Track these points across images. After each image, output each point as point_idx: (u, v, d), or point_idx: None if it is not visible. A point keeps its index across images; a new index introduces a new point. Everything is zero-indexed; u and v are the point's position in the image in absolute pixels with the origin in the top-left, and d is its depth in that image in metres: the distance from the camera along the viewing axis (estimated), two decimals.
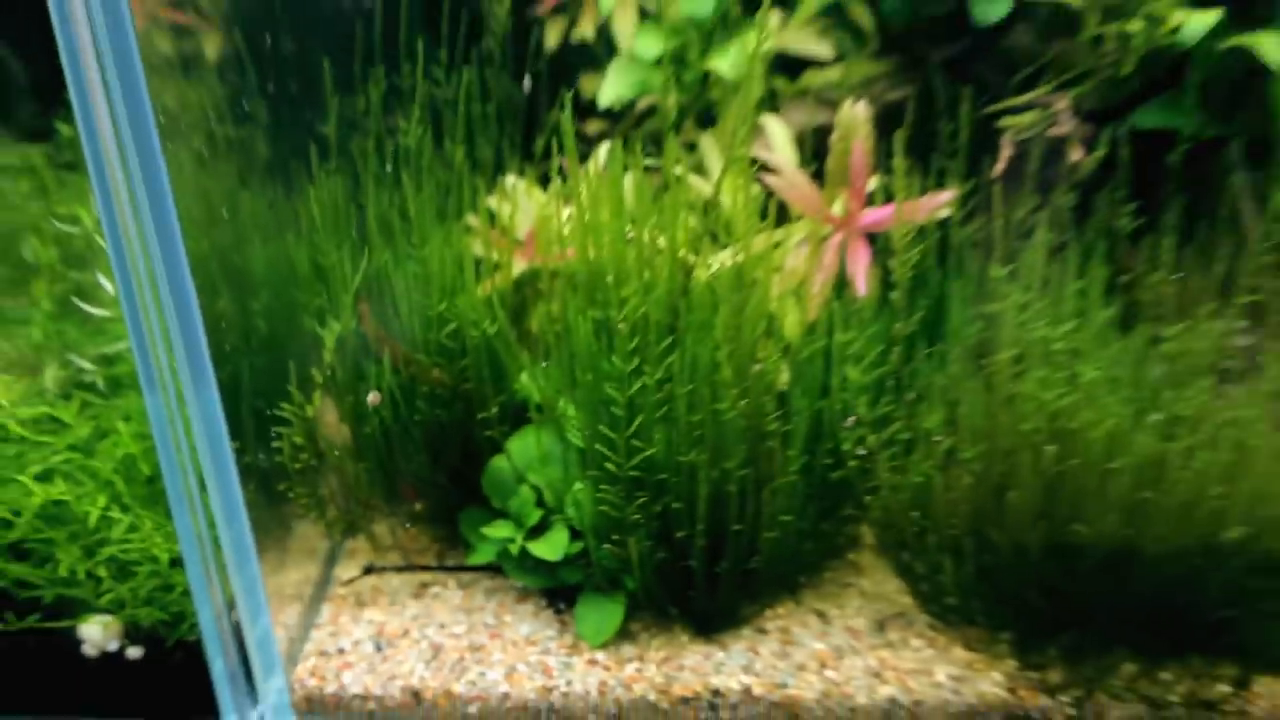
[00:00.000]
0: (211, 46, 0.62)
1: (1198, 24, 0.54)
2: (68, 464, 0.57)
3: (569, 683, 0.60)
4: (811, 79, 0.66)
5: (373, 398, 0.58)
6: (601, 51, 0.70)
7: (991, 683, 0.59)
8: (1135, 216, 0.58)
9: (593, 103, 0.66)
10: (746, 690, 0.59)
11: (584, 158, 0.67)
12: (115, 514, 0.57)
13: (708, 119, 0.67)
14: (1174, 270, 0.56)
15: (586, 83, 0.72)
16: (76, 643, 0.60)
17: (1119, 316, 0.56)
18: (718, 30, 0.63)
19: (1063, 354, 0.53)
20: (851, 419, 0.55)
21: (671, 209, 0.57)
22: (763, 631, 0.62)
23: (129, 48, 0.52)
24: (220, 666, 0.59)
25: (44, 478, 0.58)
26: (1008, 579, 0.57)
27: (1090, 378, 0.52)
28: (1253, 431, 0.52)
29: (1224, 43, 0.56)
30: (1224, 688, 0.57)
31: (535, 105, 0.65)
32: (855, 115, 0.58)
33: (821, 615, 0.63)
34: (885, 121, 0.64)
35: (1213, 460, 0.52)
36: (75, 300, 0.57)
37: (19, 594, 0.59)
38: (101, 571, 0.58)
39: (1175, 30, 0.55)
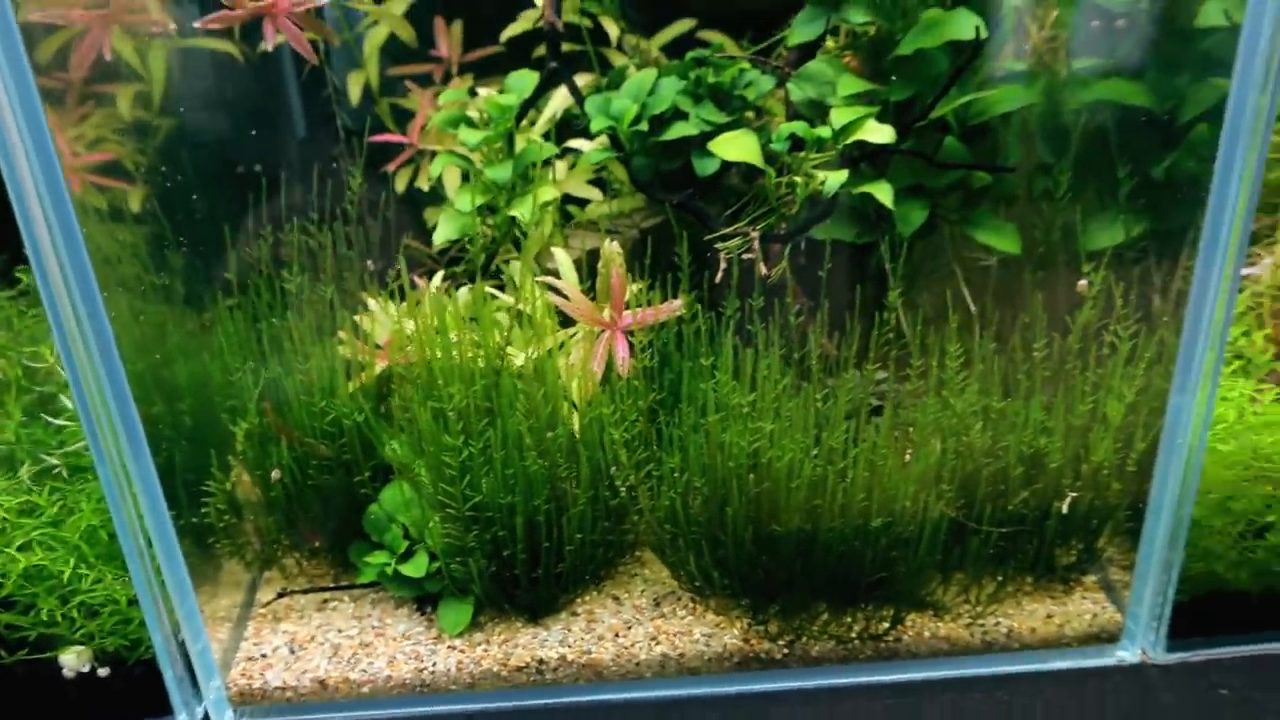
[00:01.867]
0: (135, 202, 0.79)
1: (834, 181, 0.76)
2: (44, 536, 0.72)
3: (435, 664, 0.78)
4: (592, 211, 0.86)
5: (275, 474, 0.75)
6: (440, 190, 0.89)
7: (732, 636, 0.79)
8: (809, 305, 0.80)
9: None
10: (563, 658, 0.78)
11: (432, 272, 0.85)
12: (83, 570, 0.73)
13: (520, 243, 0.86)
14: (834, 342, 0.78)
15: (430, 214, 0.90)
16: (58, 668, 0.75)
17: (795, 381, 0.77)
18: (519, 184, 0.83)
19: (752, 413, 0.75)
20: (614, 468, 0.74)
21: (486, 322, 0.76)
22: (574, 614, 0.81)
23: (68, 213, 0.68)
24: (171, 675, 0.75)
25: (25, 548, 0.73)
26: (735, 564, 0.77)
27: (770, 429, 0.73)
28: (880, 454, 0.74)
29: (857, 188, 0.78)
30: (885, 625, 0.79)
31: (388, 240, 0.83)
32: (611, 250, 0.78)
33: (616, 599, 0.83)
34: (642, 242, 0.84)
35: (857, 476, 0.74)
36: (41, 413, 0.72)
37: (10, 636, 0.74)
38: (74, 614, 0.73)
39: (823, 183, 0.77)
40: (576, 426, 0.75)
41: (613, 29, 0.86)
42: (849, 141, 0.76)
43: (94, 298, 0.67)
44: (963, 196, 0.85)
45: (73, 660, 0.72)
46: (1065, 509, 0.73)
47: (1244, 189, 0.62)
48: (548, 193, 0.80)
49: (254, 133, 0.88)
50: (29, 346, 0.72)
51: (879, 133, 0.76)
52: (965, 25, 0.75)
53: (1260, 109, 0.60)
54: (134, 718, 0.74)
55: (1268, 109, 0.60)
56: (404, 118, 0.89)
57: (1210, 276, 0.65)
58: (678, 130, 0.80)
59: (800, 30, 0.81)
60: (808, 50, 0.83)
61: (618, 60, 0.88)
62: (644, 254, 0.78)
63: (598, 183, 0.86)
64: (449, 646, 0.77)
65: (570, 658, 0.75)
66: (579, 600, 0.80)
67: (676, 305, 0.75)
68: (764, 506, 0.73)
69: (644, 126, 0.80)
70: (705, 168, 0.80)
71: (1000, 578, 0.78)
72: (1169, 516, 0.72)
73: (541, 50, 0.87)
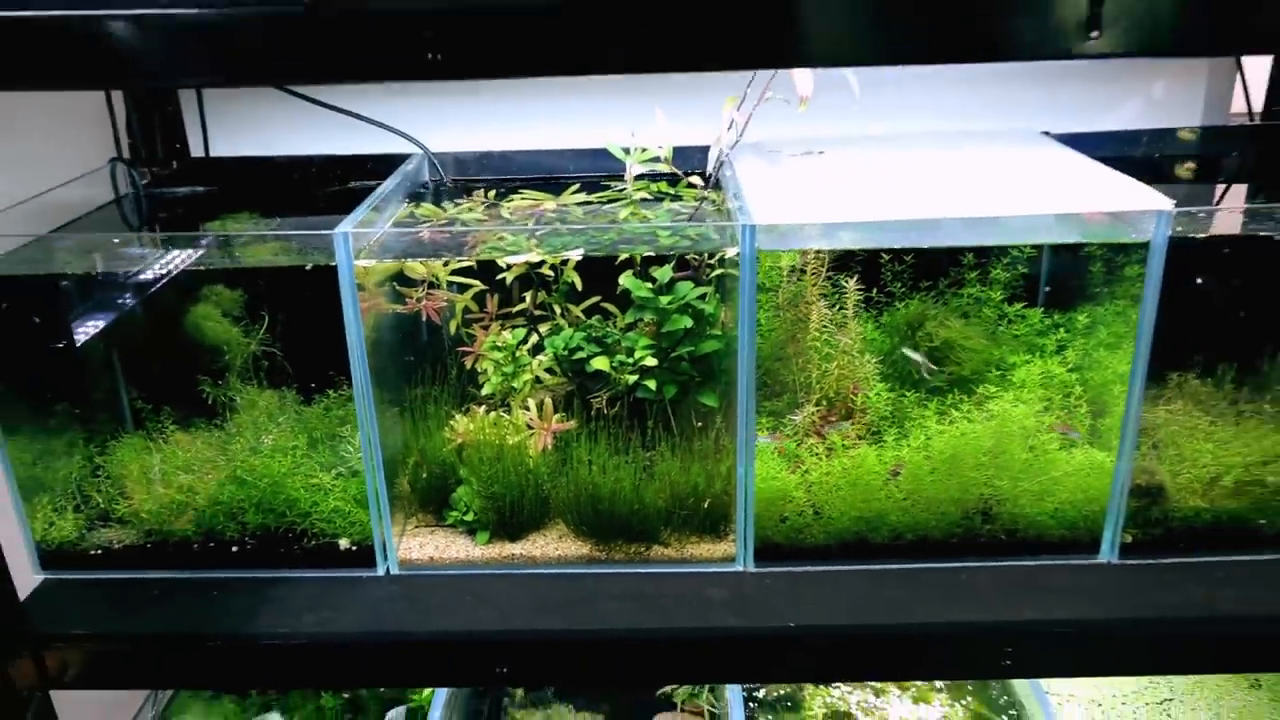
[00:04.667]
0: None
1: (629, 379, 2.06)
2: (343, 495, 2.03)
3: (474, 553, 2.07)
4: (546, 382, 2.18)
5: (423, 475, 2.07)
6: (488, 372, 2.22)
7: (585, 550, 2.08)
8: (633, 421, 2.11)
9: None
10: (523, 554, 2.07)
11: (482, 404, 2.18)
12: (351, 509, 2.03)
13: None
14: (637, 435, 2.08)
15: (482, 379, 2.23)
16: (338, 546, 2.05)
17: (614, 449, 2.08)
18: (516, 370, 2.15)
19: (594, 463, 2.04)
20: (543, 480, 2.04)
21: (499, 425, 2.07)
22: (528, 538, 2.11)
23: (366, 370, 2.01)
24: (379, 548, 2.05)
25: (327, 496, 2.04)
26: (587, 521, 2.06)
27: (599, 467, 2.03)
28: (642, 480, 2.03)
29: (643, 380, 2.09)
30: (644, 549, 2.07)
31: (464, 391, 2.15)
32: (549, 400, 2.08)
33: (543, 533, 2.12)
34: (565, 397, 2.17)
35: (631, 488, 2.03)
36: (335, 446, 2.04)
37: (323, 532, 2.04)
38: (345, 524, 2.04)
39: (629, 379, 2.08)
40: (531, 464, 2.06)
41: (558, 308, 2.20)
42: (641, 363, 2.08)
43: (371, 403, 2.00)
44: (699, 380, 2.16)
45: (344, 542, 2.04)
46: (706, 506, 2.02)
47: (749, 378, 1.92)
48: (527, 376, 2.13)
49: (411, 343, 2.23)
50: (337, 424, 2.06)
51: (650, 359, 2.08)
52: (683, 321, 2.07)
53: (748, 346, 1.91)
54: (361, 566, 2.05)
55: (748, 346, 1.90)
56: (472, 339, 2.23)
57: (742, 418, 1.94)
58: (579, 354, 2.12)
59: (627, 318, 2.14)
60: (631, 325, 2.16)
61: (560, 320, 2.22)
62: (564, 402, 2.10)
63: (550, 371, 2.19)
64: (480, 548, 2.07)
65: (525, 553, 2.05)
66: (530, 533, 2.11)
67: (571, 424, 2.07)
68: (597, 498, 2.03)
69: (565, 352, 2.13)
70: (589, 369, 2.13)
71: (690, 533, 2.06)
72: (745, 511, 2.00)
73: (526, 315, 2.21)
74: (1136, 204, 1.78)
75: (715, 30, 1.42)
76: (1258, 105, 2.41)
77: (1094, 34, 1.40)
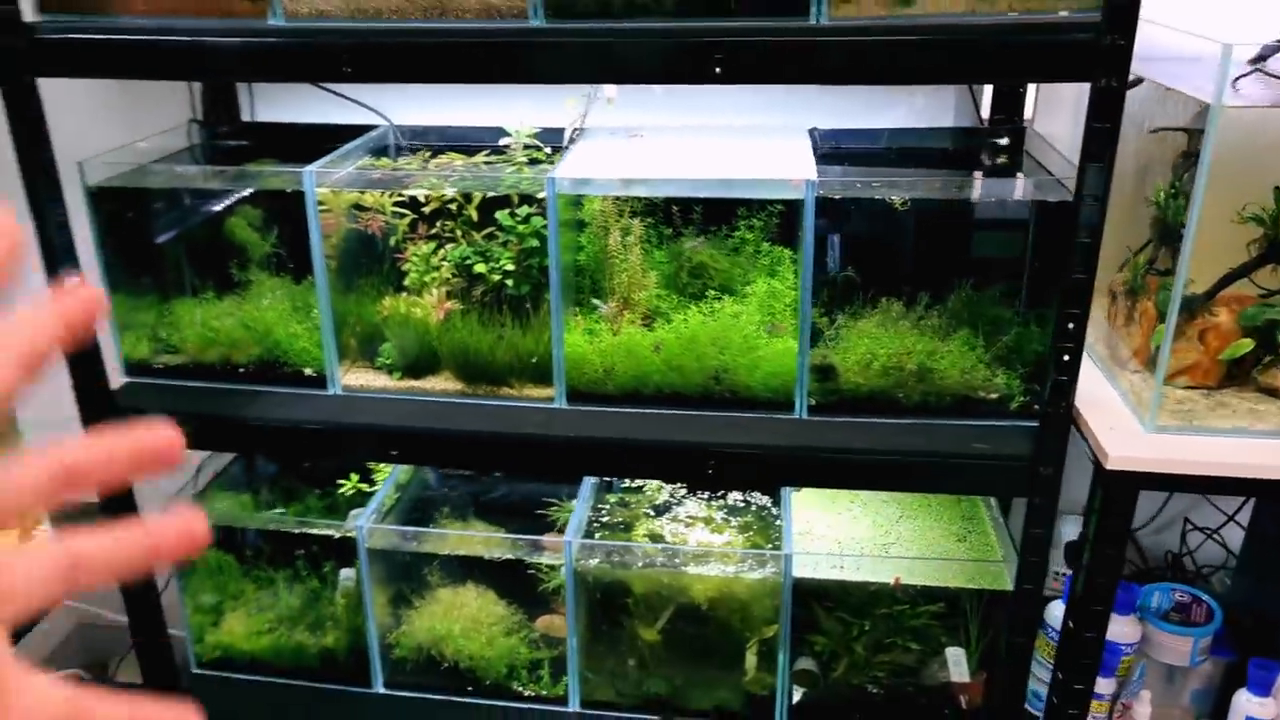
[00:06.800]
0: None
1: (480, 268, 3.23)
2: (314, 336, 3.27)
3: (389, 385, 3.29)
4: (451, 280, 3.37)
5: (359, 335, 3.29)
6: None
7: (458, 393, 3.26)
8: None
9: None
10: (418, 386, 3.28)
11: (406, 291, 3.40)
12: (313, 350, 3.27)
13: None
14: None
15: (409, 280, 3.44)
16: (304, 373, 3.31)
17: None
18: (427, 271, 3.34)
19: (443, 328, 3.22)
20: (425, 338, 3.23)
21: (412, 305, 3.28)
22: (423, 379, 3.31)
23: (321, 261, 3.26)
24: (330, 378, 3.30)
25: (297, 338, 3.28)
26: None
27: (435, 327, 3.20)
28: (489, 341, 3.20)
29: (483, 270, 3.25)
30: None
31: (395, 282, 3.37)
32: (443, 293, 3.27)
33: (436, 376, 3.32)
34: (461, 290, 3.36)
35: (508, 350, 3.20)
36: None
37: (282, 362, 3.30)
38: (307, 358, 3.28)
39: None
40: (430, 330, 3.27)
41: (459, 231, 3.39)
42: (503, 268, 3.26)
43: (326, 284, 3.24)
44: (546, 283, 3.31)
45: (309, 371, 3.27)
46: (535, 363, 3.17)
47: (559, 279, 3.06)
48: (436, 275, 3.33)
49: (365, 249, 3.45)
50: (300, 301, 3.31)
51: (510, 265, 3.25)
52: (532, 242, 3.23)
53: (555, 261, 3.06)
54: (319, 388, 3.29)
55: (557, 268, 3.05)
56: (403, 249, 3.44)
57: (555, 305, 3.09)
58: (468, 262, 3.30)
59: (500, 239, 3.31)
60: (504, 244, 3.32)
61: (462, 241, 3.41)
62: (457, 292, 3.30)
63: (453, 274, 3.38)
64: (394, 382, 3.28)
65: (422, 387, 3.26)
66: (427, 375, 3.31)
67: (459, 306, 3.26)
68: (469, 354, 3.21)
69: (460, 260, 3.32)
70: (474, 271, 3.31)
71: (527, 380, 3.23)
72: (559, 369, 3.15)
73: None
74: (802, 175, 2.86)
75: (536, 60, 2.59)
76: (987, 114, 3.43)
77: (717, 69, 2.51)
